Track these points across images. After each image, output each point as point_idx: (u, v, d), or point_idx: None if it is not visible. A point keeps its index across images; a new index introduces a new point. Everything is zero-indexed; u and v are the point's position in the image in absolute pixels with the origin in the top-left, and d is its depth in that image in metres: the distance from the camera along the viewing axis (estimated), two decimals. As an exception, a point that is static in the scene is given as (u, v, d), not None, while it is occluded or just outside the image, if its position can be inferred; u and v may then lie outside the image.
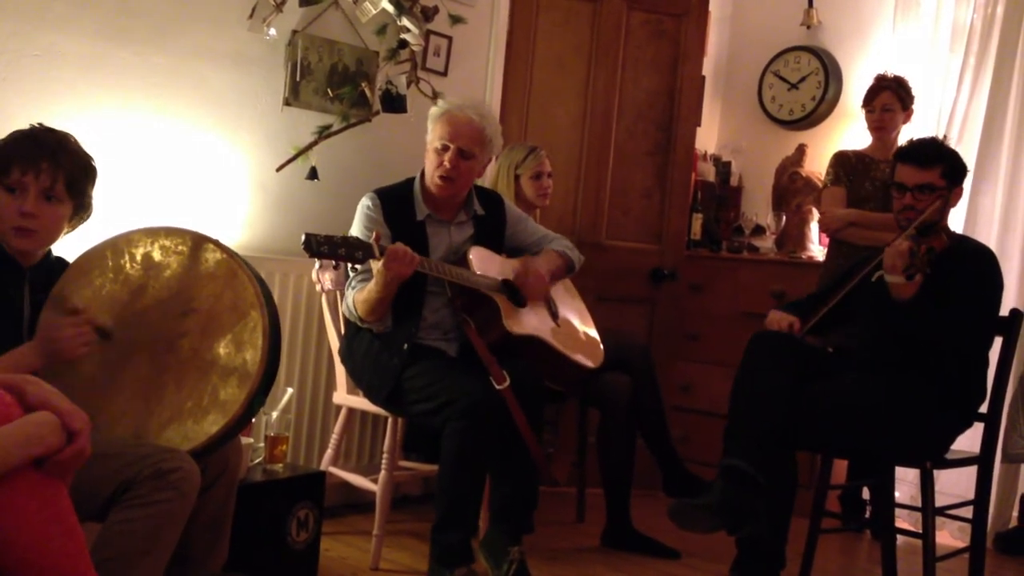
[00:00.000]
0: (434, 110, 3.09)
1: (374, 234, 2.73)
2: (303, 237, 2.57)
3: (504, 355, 2.90)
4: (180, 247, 2.23)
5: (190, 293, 2.20)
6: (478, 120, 3.02)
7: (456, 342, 3.04)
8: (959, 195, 2.99)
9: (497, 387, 2.79)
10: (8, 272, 2.17)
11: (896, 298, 2.77)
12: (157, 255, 2.23)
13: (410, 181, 3.11)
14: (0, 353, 2.05)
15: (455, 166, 2.98)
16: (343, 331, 3.20)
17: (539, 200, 3.66)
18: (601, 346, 3.38)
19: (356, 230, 3.00)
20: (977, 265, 2.88)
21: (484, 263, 3.06)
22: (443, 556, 2.80)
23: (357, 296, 2.90)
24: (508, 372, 2.82)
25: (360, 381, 3.09)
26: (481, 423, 2.76)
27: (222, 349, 2.15)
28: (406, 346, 2.93)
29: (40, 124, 2.20)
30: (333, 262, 2.65)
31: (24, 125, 2.22)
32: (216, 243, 2.25)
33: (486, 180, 3.70)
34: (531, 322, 3.09)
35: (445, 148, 2.99)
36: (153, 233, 2.26)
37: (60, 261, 2.29)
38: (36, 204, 2.11)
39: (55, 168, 2.12)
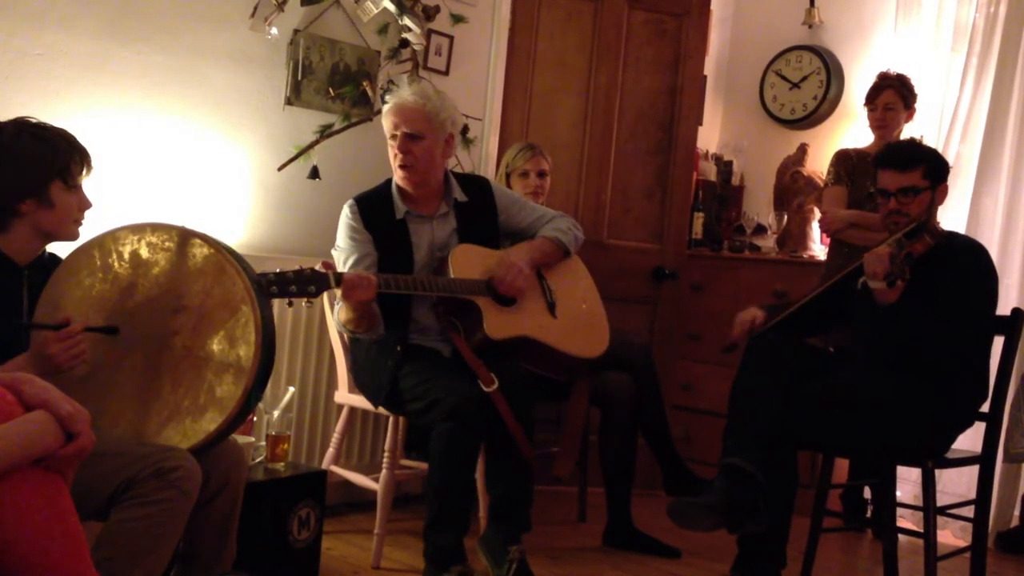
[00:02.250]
0: (382, 111, 3.08)
1: (320, 263, 2.64)
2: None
3: (496, 353, 2.89)
4: (167, 243, 2.20)
5: (180, 290, 2.18)
6: (419, 100, 2.97)
7: (449, 343, 3.02)
8: (944, 192, 2.98)
9: (486, 389, 2.79)
10: (6, 271, 2.16)
11: (881, 303, 2.78)
12: (144, 252, 2.21)
13: (388, 182, 3.08)
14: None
15: (407, 151, 2.96)
16: (345, 337, 3.18)
17: (530, 199, 3.59)
18: (607, 329, 3.27)
19: (340, 239, 3.00)
20: (963, 263, 2.85)
21: (466, 264, 2.99)
22: (436, 556, 2.79)
23: (340, 314, 2.89)
24: (497, 372, 2.81)
25: (362, 385, 3.10)
26: (466, 424, 2.75)
27: (215, 345, 2.14)
28: (399, 347, 2.93)
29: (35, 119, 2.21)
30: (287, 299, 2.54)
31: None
32: (203, 237, 2.21)
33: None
34: (518, 320, 3.01)
35: (394, 137, 2.98)
36: (139, 229, 2.22)
37: (54, 258, 2.28)
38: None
39: (91, 163, 2.25)
